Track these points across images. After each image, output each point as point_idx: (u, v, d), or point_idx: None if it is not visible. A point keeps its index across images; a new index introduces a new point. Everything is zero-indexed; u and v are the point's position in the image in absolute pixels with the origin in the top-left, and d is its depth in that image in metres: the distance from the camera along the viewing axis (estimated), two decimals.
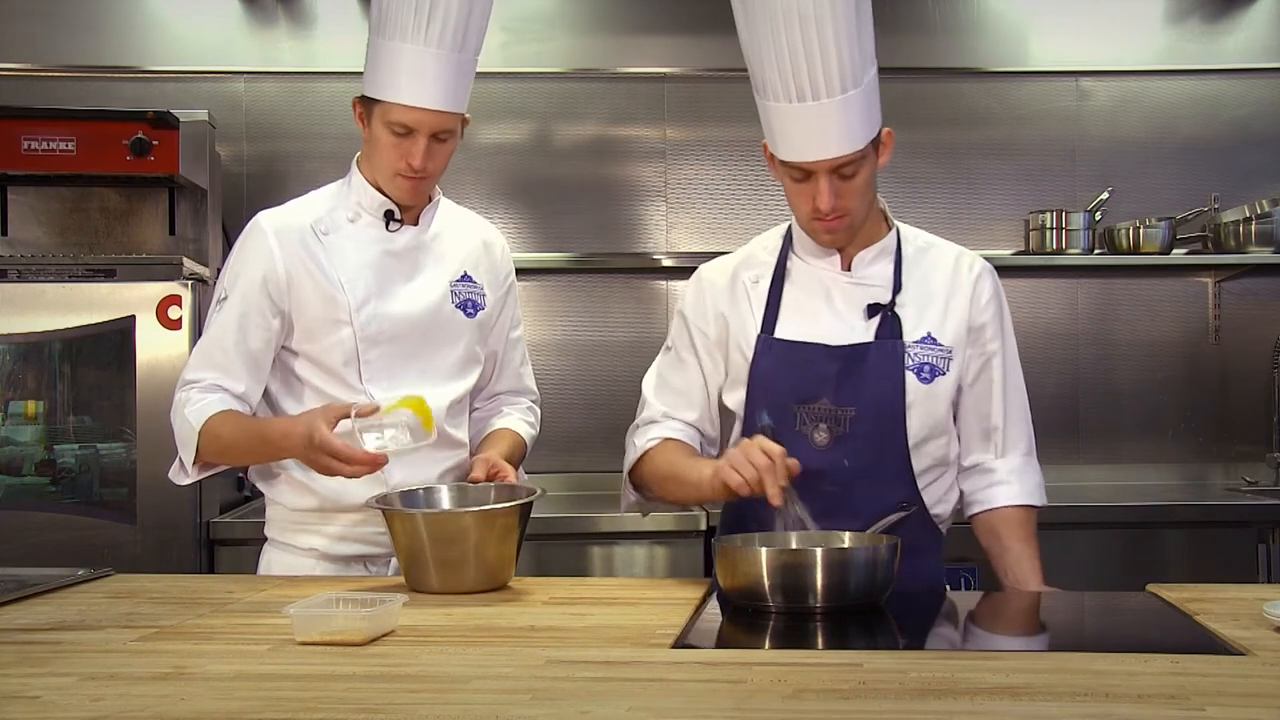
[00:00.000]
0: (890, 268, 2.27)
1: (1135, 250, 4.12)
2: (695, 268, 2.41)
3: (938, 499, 2.27)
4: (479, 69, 2.35)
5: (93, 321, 3.49)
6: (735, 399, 2.28)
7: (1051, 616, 2.09)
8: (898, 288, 2.25)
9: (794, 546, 2.02)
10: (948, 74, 4.29)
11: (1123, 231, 4.12)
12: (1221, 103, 4.31)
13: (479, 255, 2.49)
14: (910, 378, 2.20)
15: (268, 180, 4.16)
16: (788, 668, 1.54)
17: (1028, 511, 2.28)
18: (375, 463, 2.14)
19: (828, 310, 2.25)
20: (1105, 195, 4.18)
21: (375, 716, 1.35)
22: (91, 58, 4.18)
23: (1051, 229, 4.14)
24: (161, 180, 3.82)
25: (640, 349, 4.17)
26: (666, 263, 4.21)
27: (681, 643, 1.72)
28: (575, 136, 4.30)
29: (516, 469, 2.44)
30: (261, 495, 2.47)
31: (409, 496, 2.21)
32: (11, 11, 4.16)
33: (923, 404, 2.21)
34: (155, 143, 3.68)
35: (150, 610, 1.96)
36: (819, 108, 2.07)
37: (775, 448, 2.00)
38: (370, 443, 2.15)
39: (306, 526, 2.39)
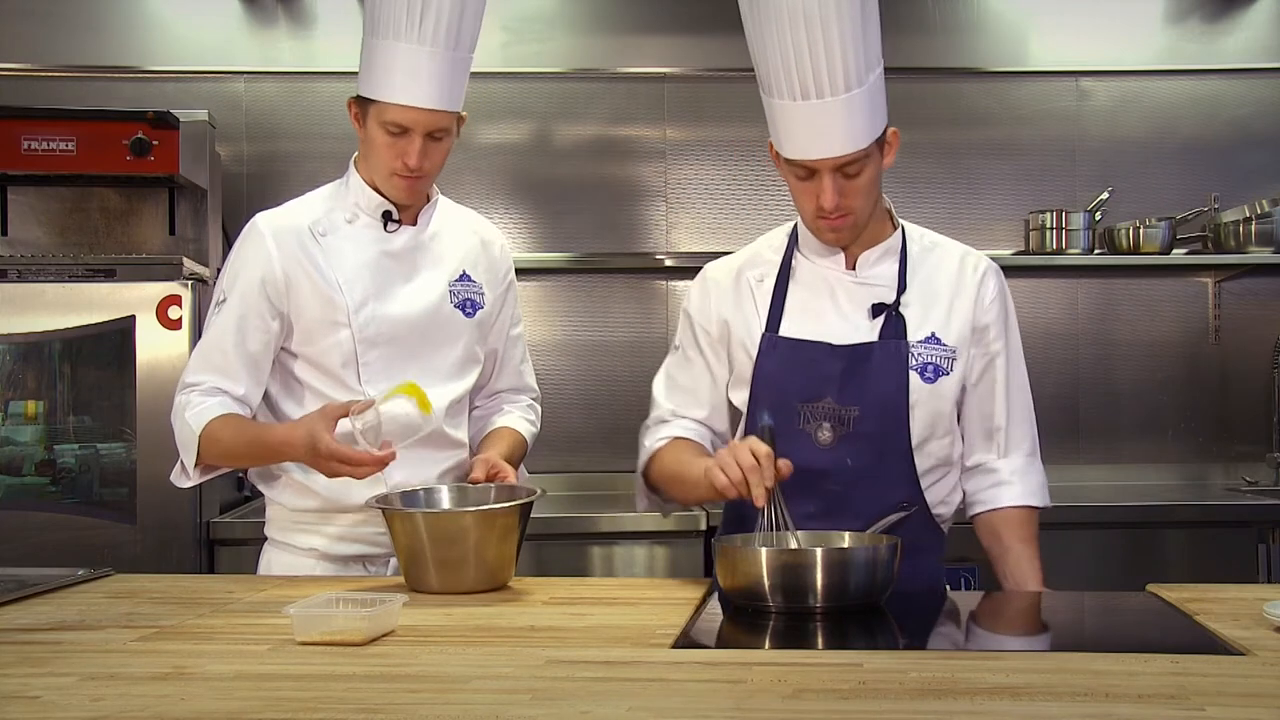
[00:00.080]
0: (895, 267, 2.27)
1: (1135, 250, 4.12)
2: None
3: (941, 499, 2.27)
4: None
5: (93, 321, 3.49)
6: (740, 398, 2.28)
7: (1052, 616, 2.08)
8: (902, 287, 2.25)
9: (794, 547, 2.02)
10: (948, 74, 4.29)
11: (1123, 231, 4.12)
12: (1221, 103, 4.31)
13: (477, 254, 2.49)
14: (914, 377, 2.20)
15: (267, 180, 4.16)
16: (788, 668, 1.54)
17: (1030, 512, 2.28)
18: (382, 461, 2.15)
19: (832, 309, 2.25)
20: (1105, 195, 4.17)
21: (375, 716, 1.35)
22: (91, 58, 4.18)
23: (1051, 229, 4.14)
24: (161, 180, 3.83)
25: (640, 349, 4.18)
26: (667, 263, 4.21)
27: (681, 643, 1.72)
28: (575, 136, 4.30)
29: (517, 468, 2.43)
30: (261, 495, 2.47)
31: (409, 496, 2.20)
32: (11, 11, 4.16)
33: (926, 404, 2.21)
34: (155, 143, 3.68)
35: (150, 610, 1.95)
36: (823, 106, 2.07)
37: (763, 448, 1.98)
38: (372, 438, 2.15)
39: (306, 526, 2.39)
